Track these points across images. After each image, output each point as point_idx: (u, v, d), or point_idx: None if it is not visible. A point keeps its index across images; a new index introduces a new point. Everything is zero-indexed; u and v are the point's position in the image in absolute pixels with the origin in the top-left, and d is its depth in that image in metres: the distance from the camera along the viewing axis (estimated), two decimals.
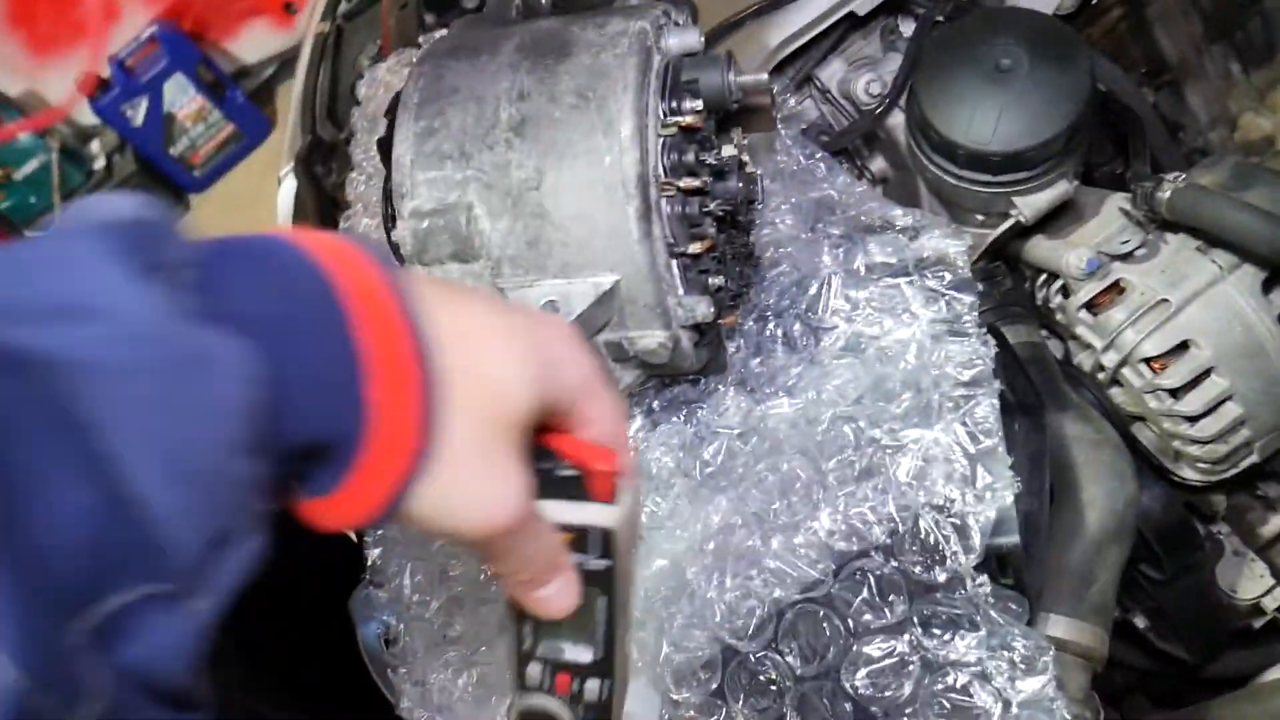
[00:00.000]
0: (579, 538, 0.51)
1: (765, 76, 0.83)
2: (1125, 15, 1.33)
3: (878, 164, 1.11)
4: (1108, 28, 1.32)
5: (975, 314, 0.84)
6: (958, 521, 0.77)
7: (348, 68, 1.81)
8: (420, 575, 1.03)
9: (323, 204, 1.69)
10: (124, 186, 3.56)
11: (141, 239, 0.38)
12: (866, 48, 1.10)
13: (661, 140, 0.80)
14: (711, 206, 0.82)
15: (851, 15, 1.04)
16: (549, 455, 0.50)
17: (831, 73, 1.08)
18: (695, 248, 0.80)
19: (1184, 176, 0.93)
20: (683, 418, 0.92)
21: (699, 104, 0.81)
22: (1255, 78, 1.39)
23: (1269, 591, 1.11)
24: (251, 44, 3.62)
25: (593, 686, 0.53)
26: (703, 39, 0.84)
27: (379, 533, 1.06)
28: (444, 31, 1.48)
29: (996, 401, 0.79)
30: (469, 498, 0.45)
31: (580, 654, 0.53)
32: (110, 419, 0.33)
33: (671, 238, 0.80)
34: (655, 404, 0.94)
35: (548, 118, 0.79)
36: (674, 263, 0.81)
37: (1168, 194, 0.93)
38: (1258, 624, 1.16)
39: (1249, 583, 1.11)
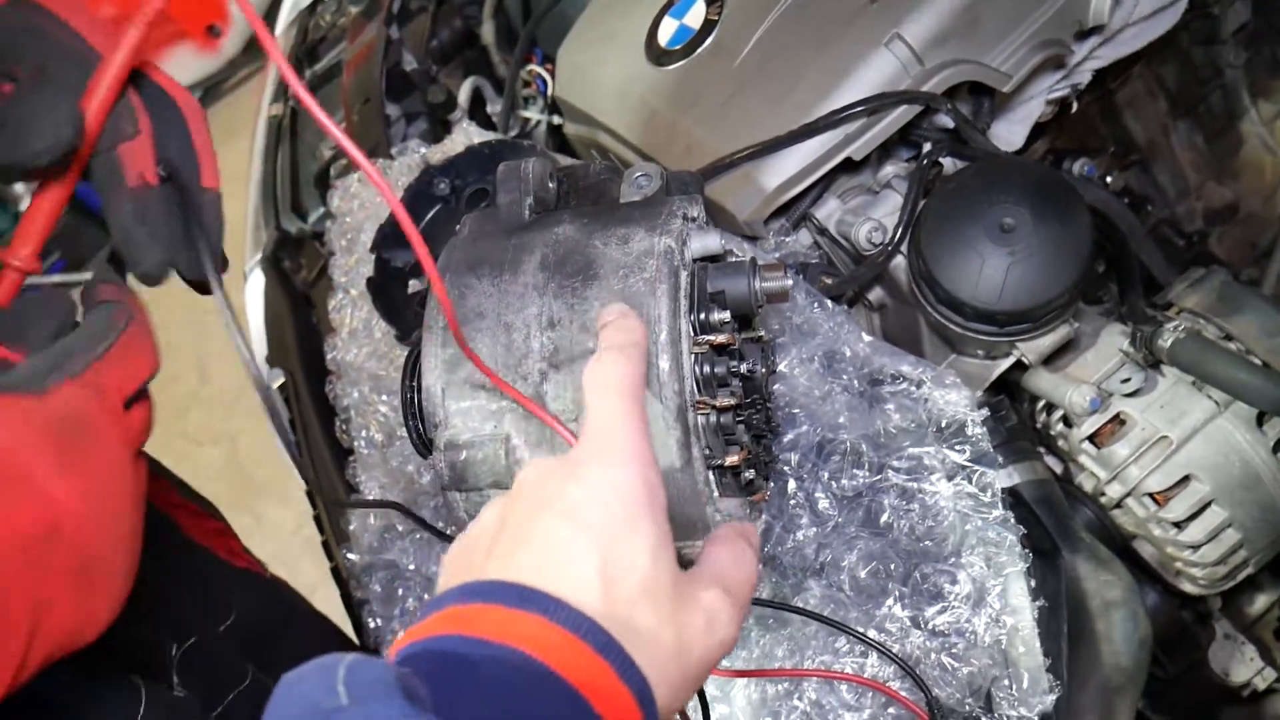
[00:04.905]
0: None
1: (789, 282, 0.83)
2: (1094, 100, 1.36)
3: (875, 294, 1.12)
4: (1078, 114, 1.35)
5: (999, 495, 0.87)
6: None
7: (306, 153, 1.76)
8: None
9: (295, 302, 1.66)
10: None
11: (403, 678, 0.43)
12: (859, 177, 1.11)
13: (692, 357, 0.80)
14: (745, 415, 0.83)
15: (848, 159, 1.05)
16: None
17: (828, 212, 1.08)
18: (732, 459, 0.82)
19: (1183, 326, 0.97)
20: None
21: (726, 315, 0.81)
22: (1216, 148, 1.43)
23: (1259, 672, 1.18)
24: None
25: None
26: (723, 242, 0.84)
27: None
28: (415, 141, 1.46)
29: (1033, 621, 0.83)
30: None
31: None
32: None
33: (708, 450, 0.81)
34: None
35: (581, 348, 0.79)
36: (710, 474, 0.82)
37: (1168, 343, 0.96)
38: (1246, 693, 1.23)
39: (1241, 666, 1.18)
